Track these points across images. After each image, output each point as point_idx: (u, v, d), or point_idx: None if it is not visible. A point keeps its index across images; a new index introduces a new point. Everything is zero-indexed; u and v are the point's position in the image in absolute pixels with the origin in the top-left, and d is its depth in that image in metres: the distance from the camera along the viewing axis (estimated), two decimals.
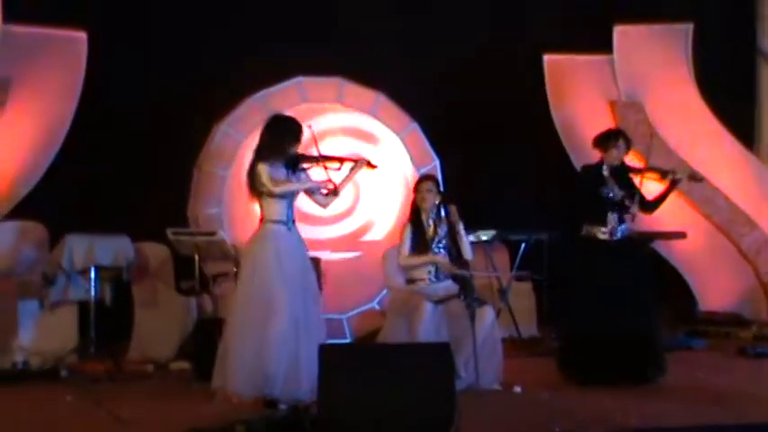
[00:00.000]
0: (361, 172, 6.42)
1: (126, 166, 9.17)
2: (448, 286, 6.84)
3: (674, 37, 10.75)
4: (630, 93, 10.61)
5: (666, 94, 10.63)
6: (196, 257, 8.03)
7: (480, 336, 6.46)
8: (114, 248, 7.93)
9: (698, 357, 8.27)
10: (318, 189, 6.32)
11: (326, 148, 6.46)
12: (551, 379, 7.00)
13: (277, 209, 6.16)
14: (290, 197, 6.22)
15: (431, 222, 6.90)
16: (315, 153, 6.32)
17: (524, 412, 5.96)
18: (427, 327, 6.48)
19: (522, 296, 9.55)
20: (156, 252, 8.39)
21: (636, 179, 7.10)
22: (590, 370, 6.77)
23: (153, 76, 9.35)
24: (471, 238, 9.06)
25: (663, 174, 7.27)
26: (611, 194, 6.95)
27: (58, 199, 8.80)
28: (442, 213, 6.88)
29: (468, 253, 6.90)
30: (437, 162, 9.77)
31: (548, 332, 9.33)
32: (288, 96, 9.55)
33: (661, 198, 7.21)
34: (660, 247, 10.16)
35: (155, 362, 7.64)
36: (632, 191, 7.03)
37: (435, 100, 10.02)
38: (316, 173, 6.47)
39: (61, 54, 9.18)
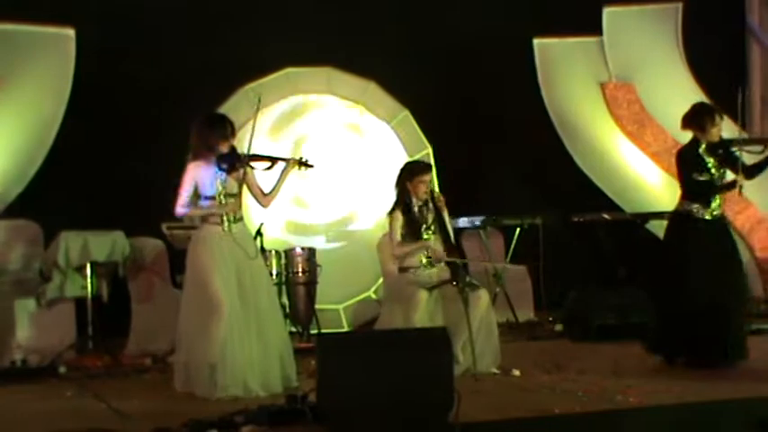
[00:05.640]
0: (295, 172, 6.33)
1: (119, 162, 9.15)
2: (441, 270, 6.84)
3: (664, 17, 10.77)
4: (621, 74, 10.62)
5: (657, 75, 10.65)
6: None
7: (475, 320, 6.46)
8: (109, 244, 7.92)
9: None
10: (211, 212, 6.16)
11: (260, 147, 6.38)
12: (550, 362, 7.01)
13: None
14: (226, 198, 6.13)
15: (420, 209, 6.89)
16: (246, 153, 6.22)
17: (523, 395, 5.95)
18: (422, 315, 6.49)
19: (518, 280, 9.56)
20: (151, 246, 8.37)
21: (735, 150, 6.74)
22: (681, 350, 6.63)
23: (142, 70, 9.32)
24: (465, 223, 9.12)
25: (764, 143, 7.03)
26: (712, 178, 6.66)
27: (52, 196, 8.80)
28: (430, 199, 6.85)
29: (452, 239, 6.90)
30: (429, 149, 9.78)
31: (545, 316, 9.36)
32: (278, 87, 9.56)
33: (763, 166, 6.80)
34: (655, 227, 10.16)
35: (153, 355, 7.63)
36: (734, 164, 6.70)
37: (426, 87, 10.01)
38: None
39: (50, 51, 9.17)
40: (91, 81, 9.11)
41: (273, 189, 6.35)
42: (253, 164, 6.25)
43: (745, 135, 7.02)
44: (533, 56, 10.56)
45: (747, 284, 6.76)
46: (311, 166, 6.38)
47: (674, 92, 10.61)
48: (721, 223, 6.80)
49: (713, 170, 6.69)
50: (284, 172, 6.30)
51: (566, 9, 10.40)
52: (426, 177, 6.87)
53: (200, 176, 6.19)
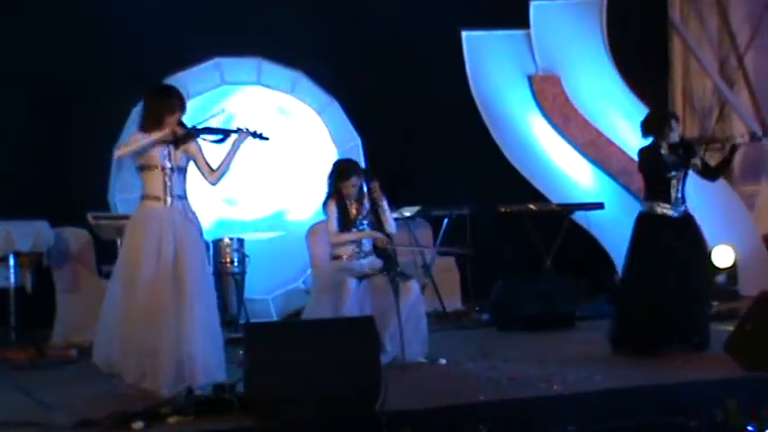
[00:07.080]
0: (248, 144, 6.07)
1: (43, 151, 9.03)
2: (372, 261, 6.88)
3: (589, 10, 10.91)
4: (547, 67, 10.74)
5: (582, 67, 10.79)
6: (118, 241, 7.94)
7: (405, 310, 6.51)
8: (33, 234, 7.81)
9: None
10: (153, 145, 5.86)
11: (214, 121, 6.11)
12: (476, 351, 7.09)
13: (152, 183, 5.90)
14: (172, 172, 5.91)
15: (353, 202, 6.92)
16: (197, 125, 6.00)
17: (449, 383, 6.03)
18: (351, 303, 6.52)
19: (446, 271, 9.63)
20: (76, 236, 8.29)
21: (698, 150, 7.05)
22: (646, 342, 6.76)
23: (69, 59, 9.19)
24: (394, 214, 9.11)
25: (722, 142, 7.28)
26: (674, 173, 6.85)
27: None
28: (364, 189, 6.89)
29: (392, 227, 6.93)
30: (358, 140, 9.80)
31: (472, 305, 9.46)
32: (205, 77, 9.48)
33: (723, 165, 7.22)
34: (579, 217, 10.32)
35: (78, 347, 7.54)
36: (693, 162, 6.95)
37: (356, 78, 10.03)
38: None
39: None
40: (14, 69, 8.96)
41: (222, 163, 6.05)
42: (204, 136, 6.02)
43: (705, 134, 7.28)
44: (462, 48, 10.62)
45: (710, 275, 7.06)
46: (266, 138, 6.12)
47: (599, 84, 10.78)
48: (687, 218, 6.98)
49: (675, 169, 6.86)
50: (236, 144, 6.04)
51: (494, 2, 10.48)
52: (353, 182, 6.88)
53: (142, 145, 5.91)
